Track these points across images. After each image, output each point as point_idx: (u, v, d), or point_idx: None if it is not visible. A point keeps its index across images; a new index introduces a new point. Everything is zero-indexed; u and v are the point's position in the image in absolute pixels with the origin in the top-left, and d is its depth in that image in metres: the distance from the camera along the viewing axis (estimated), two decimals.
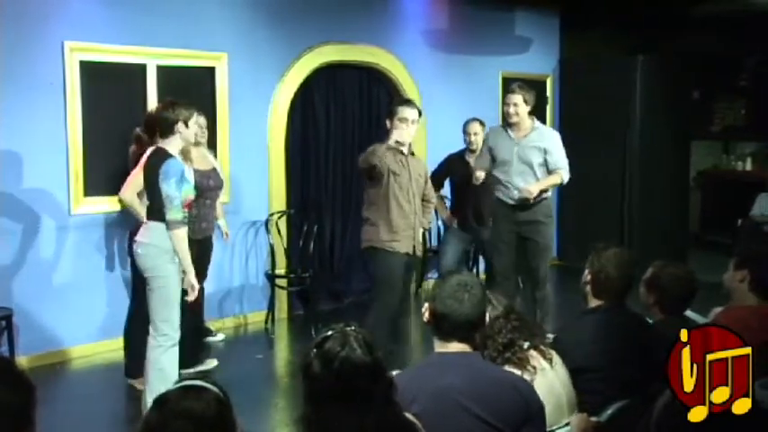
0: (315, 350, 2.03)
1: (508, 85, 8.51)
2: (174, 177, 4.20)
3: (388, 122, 5.02)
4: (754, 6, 8.15)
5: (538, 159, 5.63)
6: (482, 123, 6.44)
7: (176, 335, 4.38)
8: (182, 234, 4.28)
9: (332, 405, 1.98)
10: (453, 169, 6.58)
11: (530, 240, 5.73)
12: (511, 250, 5.78)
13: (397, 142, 4.85)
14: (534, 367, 2.69)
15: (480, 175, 5.73)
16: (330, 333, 2.05)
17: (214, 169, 5.55)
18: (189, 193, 4.34)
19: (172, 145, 4.36)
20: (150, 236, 4.32)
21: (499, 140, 5.75)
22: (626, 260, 3.24)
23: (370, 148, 4.95)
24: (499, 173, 5.72)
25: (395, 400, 2.06)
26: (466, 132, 6.45)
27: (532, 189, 5.54)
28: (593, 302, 3.25)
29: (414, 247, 5.05)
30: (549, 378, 2.72)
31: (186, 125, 4.39)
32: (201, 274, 5.62)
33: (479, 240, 6.57)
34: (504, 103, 5.74)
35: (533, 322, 3.35)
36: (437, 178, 6.73)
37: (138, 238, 4.42)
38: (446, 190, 6.83)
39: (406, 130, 4.94)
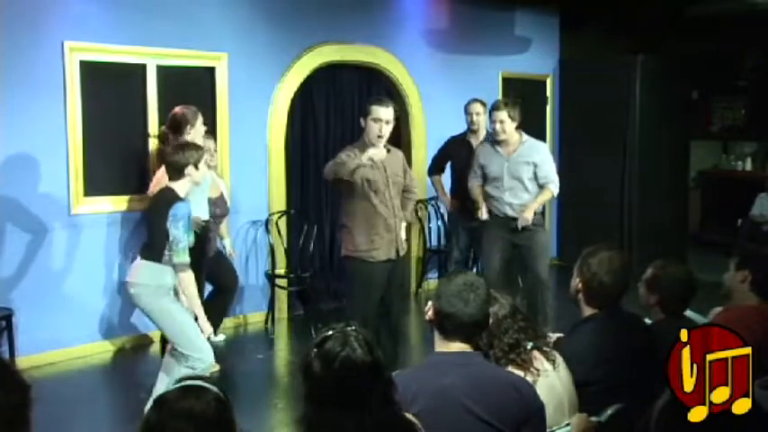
0: (315, 350, 2.03)
1: (508, 84, 8.59)
2: (182, 221, 4.18)
3: (362, 121, 4.82)
4: (753, 6, 8.14)
5: (528, 174, 5.66)
6: (483, 104, 6.45)
7: (209, 357, 4.30)
8: (188, 277, 4.24)
9: (332, 405, 1.98)
10: (454, 152, 6.58)
11: (523, 247, 5.75)
12: (502, 259, 5.78)
13: (370, 159, 4.60)
14: (537, 369, 2.68)
15: (484, 213, 5.76)
16: (330, 333, 2.05)
17: (221, 196, 5.54)
18: (191, 238, 4.32)
19: (180, 186, 4.34)
20: (139, 275, 4.30)
21: (489, 157, 5.78)
22: (619, 265, 3.08)
23: (339, 156, 4.73)
24: (490, 188, 5.76)
25: (395, 399, 2.06)
26: (468, 113, 6.46)
27: (527, 216, 5.59)
28: (588, 311, 3.12)
29: (396, 250, 4.86)
30: (550, 379, 2.71)
31: (196, 167, 4.36)
32: (232, 278, 5.64)
33: (475, 231, 6.46)
34: (491, 121, 5.72)
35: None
36: (438, 162, 6.79)
37: (128, 279, 4.39)
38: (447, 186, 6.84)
39: (382, 134, 4.74)
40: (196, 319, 4.33)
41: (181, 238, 4.17)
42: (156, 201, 4.43)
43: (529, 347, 2.71)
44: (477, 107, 6.43)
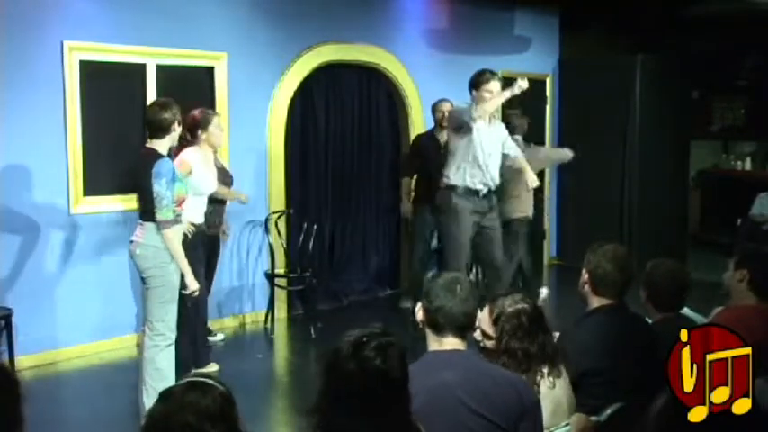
0: (350, 348, 1.98)
1: (508, 84, 8.57)
2: (166, 177, 4.20)
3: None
4: (753, 6, 8.15)
5: (500, 145, 5.86)
6: (452, 103, 6.66)
7: (173, 335, 4.38)
8: (172, 234, 4.27)
9: (352, 408, 1.96)
10: (424, 150, 6.78)
11: (488, 229, 5.79)
12: (469, 247, 5.79)
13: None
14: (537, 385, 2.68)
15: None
16: (369, 337, 2.00)
17: (223, 167, 5.64)
18: (181, 191, 4.35)
19: (162, 146, 4.36)
20: (147, 236, 4.31)
21: (484, 129, 5.75)
22: (621, 254, 3.21)
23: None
24: (473, 160, 5.69)
25: (412, 417, 2.05)
26: (438, 110, 6.79)
27: (535, 177, 5.93)
28: (595, 302, 3.19)
29: None
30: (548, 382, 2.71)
31: (179, 124, 4.42)
32: (210, 272, 5.68)
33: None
34: (487, 91, 5.68)
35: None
36: (411, 162, 6.93)
37: (134, 238, 4.40)
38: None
39: None
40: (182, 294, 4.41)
41: (164, 194, 4.19)
42: (141, 163, 4.40)
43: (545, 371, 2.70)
44: (447, 106, 6.64)
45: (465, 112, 5.69)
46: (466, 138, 5.68)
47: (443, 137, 6.48)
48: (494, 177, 5.76)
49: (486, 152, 5.70)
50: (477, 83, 5.70)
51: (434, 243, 6.86)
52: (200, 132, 5.21)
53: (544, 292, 7.10)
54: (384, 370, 1.96)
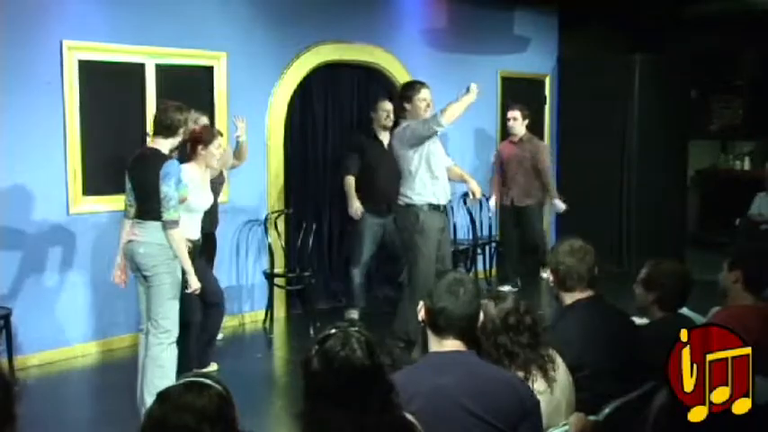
0: (316, 346, 2.02)
1: (507, 84, 8.59)
2: (174, 178, 4.24)
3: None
4: (752, 6, 8.15)
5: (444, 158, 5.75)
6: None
7: (176, 331, 4.39)
8: (177, 234, 4.29)
9: (330, 403, 1.97)
10: (365, 149, 6.69)
11: (441, 245, 5.57)
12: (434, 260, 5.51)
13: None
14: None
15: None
16: (333, 331, 2.05)
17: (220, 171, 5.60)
18: (184, 193, 4.38)
19: (166, 146, 4.37)
20: (149, 234, 4.31)
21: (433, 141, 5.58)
22: (578, 247, 3.26)
23: None
24: (431, 173, 5.50)
25: (396, 404, 2.05)
26: (381, 109, 6.65)
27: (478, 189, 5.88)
28: (567, 298, 3.25)
29: None
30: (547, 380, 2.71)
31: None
32: (217, 293, 5.64)
33: (386, 230, 6.56)
34: (423, 99, 5.59)
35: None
36: (351, 162, 6.75)
37: (135, 237, 4.37)
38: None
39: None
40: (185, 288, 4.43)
41: (172, 195, 4.23)
42: (141, 162, 4.39)
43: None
44: (389, 105, 6.60)
45: (423, 123, 5.40)
46: (419, 153, 5.44)
47: (386, 138, 6.47)
48: (448, 191, 5.65)
49: (440, 165, 5.57)
50: (408, 96, 5.57)
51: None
52: (200, 148, 4.91)
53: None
54: (347, 358, 1.98)
